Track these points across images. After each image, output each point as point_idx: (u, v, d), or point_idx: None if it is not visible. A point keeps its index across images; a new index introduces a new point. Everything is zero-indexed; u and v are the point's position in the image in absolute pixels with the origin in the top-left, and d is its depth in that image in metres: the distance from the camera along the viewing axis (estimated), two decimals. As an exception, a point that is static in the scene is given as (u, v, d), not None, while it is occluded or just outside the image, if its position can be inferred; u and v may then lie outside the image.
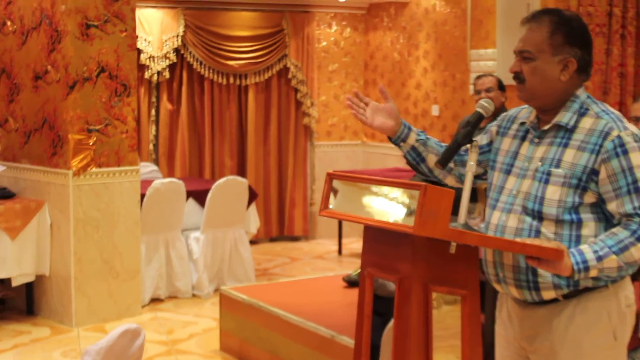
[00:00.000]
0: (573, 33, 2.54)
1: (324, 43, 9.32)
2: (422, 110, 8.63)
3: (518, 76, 2.59)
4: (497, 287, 2.65)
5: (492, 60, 7.52)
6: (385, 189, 2.55)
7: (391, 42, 9.06)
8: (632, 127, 2.49)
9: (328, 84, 9.38)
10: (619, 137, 2.44)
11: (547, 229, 2.50)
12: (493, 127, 2.78)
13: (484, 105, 2.68)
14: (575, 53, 2.54)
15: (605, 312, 2.52)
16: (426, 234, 2.31)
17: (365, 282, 2.63)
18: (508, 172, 2.64)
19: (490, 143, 2.77)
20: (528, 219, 2.53)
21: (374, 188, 2.59)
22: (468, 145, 2.65)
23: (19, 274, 5.96)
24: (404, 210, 2.48)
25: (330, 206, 2.69)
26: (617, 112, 2.55)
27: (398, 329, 2.47)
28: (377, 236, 2.59)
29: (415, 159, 2.83)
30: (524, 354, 2.65)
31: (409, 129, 2.80)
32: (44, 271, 6.08)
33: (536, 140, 2.59)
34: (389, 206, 2.53)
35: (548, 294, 2.53)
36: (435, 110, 8.43)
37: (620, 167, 2.43)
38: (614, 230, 2.44)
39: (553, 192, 2.49)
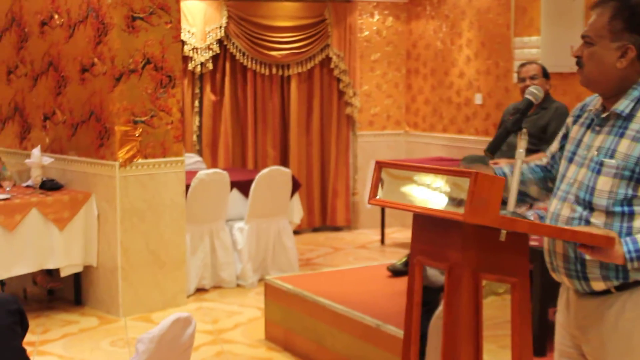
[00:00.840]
0: (634, 19, 2.48)
1: (366, 32, 9.30)
2: (465, 99, 8.59)
3: (579, 61, 2.56)
4: (553, 275, 2.63)
5: (536, 47, 7.46)
6: (427, 179, 2.54)
7: (434, 31, 9.01)
8: None
9: (370, 73, 9.36)
10: None
11: (597, 219, 2.46)
12: (570, 118, 2.74)
13: (534, 92, 2.66)
14: (636, 40, 2.48)
15: None
16: (477, 221, 2.30)
17: (414, 270, 2.63)
18: (571, 161, 2.61)
19: (566, 135, 2.73)
20: (579, 209, 2.50)
21: (416, 177, 2.58)
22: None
23: (68, 265, 6.04)
24: (446, 200, 2.47)
25: (378, 195, 2.68)
26: None
27: (448, 317, 2.47)
28: (427, 224, 2.59)
29: (520, 199, 2.76)
30: (578, 343, 2.63)
31: (505, 175, 2.74)
32: (91, 262, 6.16)
33: (597, 128, 2.55)
34: (432, 195, 2.52)
35: (597, 285, 2.49)
36: (478, 99, 8.38)
37: None
38: None
39: (604, 183, 2.45)
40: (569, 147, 2.65)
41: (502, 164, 5.38)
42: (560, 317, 2.70)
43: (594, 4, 2.57)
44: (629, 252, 2.36)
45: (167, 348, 2.58)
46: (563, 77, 7.01)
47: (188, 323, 2.70)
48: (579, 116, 2.69)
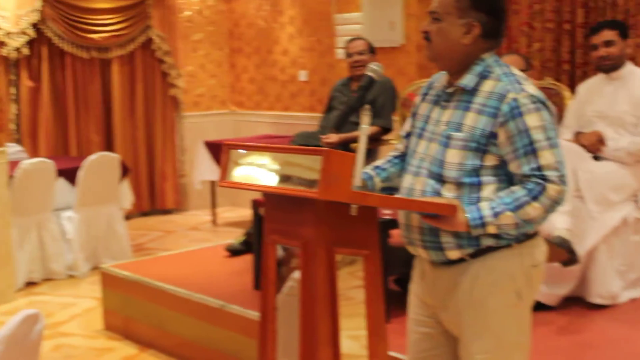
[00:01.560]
0: None
1: (188, 12, 9.18)
2: (290, 76, 8.66)
3: (427, 36, 2.61)
4: (409, 249, 2.69)
5: (358, 24, 7.60)
6: (252, 157, 2.57)
7: (255, 9, 9.01)
8: (530, 89, 2.52)
9: (193, 54, 9.27)
10: (514, 99, 2.48)
11: (449, 192, 2.53)
12: (417, 97, 2.81)
13: (374, 68, 2.72)
14: (481, 17, 2.56)
15: (508, 272, 2.57)
16: (331, 197, 2.33)
17: (269, 249, 2.65)
18: (420, 136, 2.67)
19: (414, 114, 2.79)
20: (431, 182, 2.57)
21: (241, 159, 2.61)
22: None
23: None
24: (275, 177, 2.51)
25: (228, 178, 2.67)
26: (519, 74, 2.59)
27: (305, 293, 2.50)
28: (279, 204, 2.60)
29: (392, 193, 2.79)
30: (434, 313, 2.70)
31: (370, 178, 2.77)
32: None
33: (443, 103, 2.63)
34: (259, 173, 2.55)
35: (453, 254, 2.57)
36: (303, 75, 8.48)
37: (517, 128, 2.47)
38: (513, 188, 2.49)
39: (453, 156, 2.53)
40: (418, 123, 2.71)
41: (334, 139, 5.50)
42: (415, 288, 2.77)
43: None
44: (474, 219, 2.45)
45: (16, 348, 2.48)
46: (385, 51, 7.20)
47: (37, 320, 2.62)
48: (425, 94, 2.76)
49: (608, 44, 4.66)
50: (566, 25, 6.03)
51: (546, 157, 2.47)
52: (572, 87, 5.76)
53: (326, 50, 8.16)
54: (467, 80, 2.57)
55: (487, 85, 2.54)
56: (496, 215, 2.45)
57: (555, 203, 2.49)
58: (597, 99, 4.75)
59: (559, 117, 5.15)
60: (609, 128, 4.63)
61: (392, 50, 7.22)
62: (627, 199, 4.52)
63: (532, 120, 2.47)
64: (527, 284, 2.60)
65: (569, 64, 6.05)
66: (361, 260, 2.64)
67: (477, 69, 2.58)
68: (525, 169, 2.47)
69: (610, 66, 4.69)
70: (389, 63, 7.19)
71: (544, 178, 2.46)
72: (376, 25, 7.24)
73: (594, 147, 4.58)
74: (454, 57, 2.60)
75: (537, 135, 2.47)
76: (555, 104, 5.24)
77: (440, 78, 2.72)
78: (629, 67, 4.71)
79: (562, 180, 2.48)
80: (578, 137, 4.68)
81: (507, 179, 2.54)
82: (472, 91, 2.56)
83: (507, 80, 2.53)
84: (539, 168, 2.46)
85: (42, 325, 2.64)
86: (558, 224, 4.18)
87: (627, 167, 4.52)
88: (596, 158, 4.60)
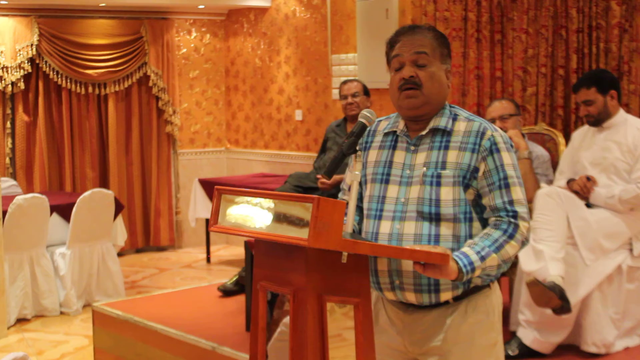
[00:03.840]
0: (449, 47, 2.74)
1: (184, 50, 9.24)
2: (286, 115, 8.68)
3: (414, 81, 2.64)
4: (388, 294, 2.70)
5: (353, 64, 7.65)
6: (247, 196, 2.56)
7: (252, 48, 9.06)
8: (499, 129, 2.69)
9: (190, 91, 9.31)
10: (493, 136, 2.63)
11: (446, 231, 2.59)
12: (358, 147, 2.80)
13: (367, 115, 2.71)
14: (450, 63, 2.73)
15: (490, 310, 2.68)
16: (321, 245, 2.32)
17: (258, 295, 2.63)
18: (386, 182, 2.69)
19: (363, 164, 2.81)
20: (426, 224, 2.60)
21: (238, 198, 2.59)
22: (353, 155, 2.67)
23: None
24: (269, 216, 2.49)
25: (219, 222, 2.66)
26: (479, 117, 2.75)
27: (295, 341, 2.48)
28: (269, 249, 2.59)
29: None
30: (412, 357, 2.72)
31: (360, 221, 2.82)
32: None
33: (412, 147, 2.68)
34: (254, 212, 2.54)
35: (445, 296, 2.62)
36: (298, 115, 8.50)
37: (494, 163, 2.61)
38: (486, 231, 2.59)
39: (447, 193, 2.59)
40: (376, 169, 2.73)
41: (329, 180, 5.50)
42: (384, 338, 2.77)
43: (404, 29, 2.72)
44: (465, 265, 2.50)
45: (3, 391, 2.46)
46: (380, 92, 7.23)
47: (24, 363, 2.59)
48: (369, 142, 2.79)
49: (587, 103, 4.69)
50: (560, 70, 6.06)
51: (517, 193, 2.62)
52: (566, 132, 5.78)
53: (322, 90, 8.19)
54: (443, 122, 2.67)
55: (460, 126, 2.66)
56: (483, 259, 2.53)
57: (526, 240, 2.63)
58: (590, 146, 4.75)
59: (553, 163, 5.15)
60: (603, 175, 4.63)
61: (387, 91, 7.24)
62: (620, 247, 4.50)
63: (507, 157, 2.63)
64: (499, 320, 2.73)
65: (562, 109, 6.07)
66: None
67: (446, 112, 2.70)
68: (498, 201, 2.60)
69: (593, 122, 4.72)
70: (383, 104, 7.22)
71: (515, 214, 2.59)
72: (371, 66, 7.27)
73: (585, 188, 4.57)
74: (441, 102, 2.70)
75: (510, 172, 2.63)
76: (549, 150, 5.25)
77: (383, 125, 2.77)
78: (621, 115, 4.71)
79: (529, 216, 2.65)
80: (570, 184, 4.68)
81: (478, 216, 2.65)
82: (448, 132, 2.65)
83: (479, 120, 2.68)
84: (511, 202, 2.60)
85: (30, 369, 2.61)
86: (551, 270, 4.17)
87: (620, 215, 4.51)
88: (589, 205, 4.59)
